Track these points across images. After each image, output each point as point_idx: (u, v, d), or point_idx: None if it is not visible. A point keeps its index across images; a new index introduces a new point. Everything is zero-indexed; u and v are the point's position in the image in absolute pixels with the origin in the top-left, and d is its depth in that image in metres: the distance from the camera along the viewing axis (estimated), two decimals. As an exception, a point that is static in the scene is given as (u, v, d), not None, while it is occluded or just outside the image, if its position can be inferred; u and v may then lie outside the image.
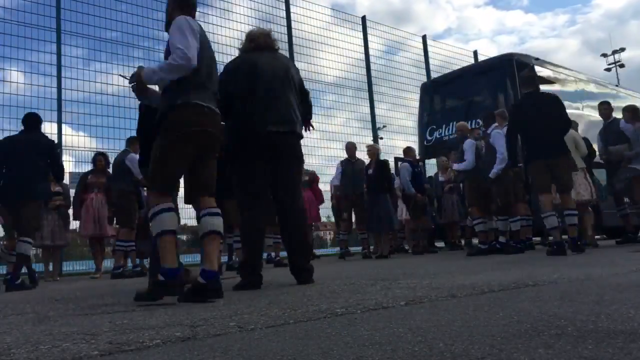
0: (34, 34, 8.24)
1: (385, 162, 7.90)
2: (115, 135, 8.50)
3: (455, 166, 6.77)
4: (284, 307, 2.03)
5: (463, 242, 8.91)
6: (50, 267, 7.20)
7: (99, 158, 7.16)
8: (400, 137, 11.92)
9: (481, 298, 2.00)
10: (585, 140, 6.77)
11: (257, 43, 3.54)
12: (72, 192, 7.25)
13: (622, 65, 28.30)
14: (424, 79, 12.18)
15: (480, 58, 13.23)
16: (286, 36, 10.66)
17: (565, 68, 10.50)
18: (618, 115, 6.98)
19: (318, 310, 1.87)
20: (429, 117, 9.91)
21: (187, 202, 2.80)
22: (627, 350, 1.03)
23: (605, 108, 6.92)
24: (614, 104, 7.29)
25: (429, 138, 9.72)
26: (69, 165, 8.26)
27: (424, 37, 13.18)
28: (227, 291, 3.07)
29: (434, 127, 9.64)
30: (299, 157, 3.51)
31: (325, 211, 9.54)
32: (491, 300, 1.89)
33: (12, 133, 8.00)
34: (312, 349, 1.21)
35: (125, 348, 1.37)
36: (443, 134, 9.42)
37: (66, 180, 7.47)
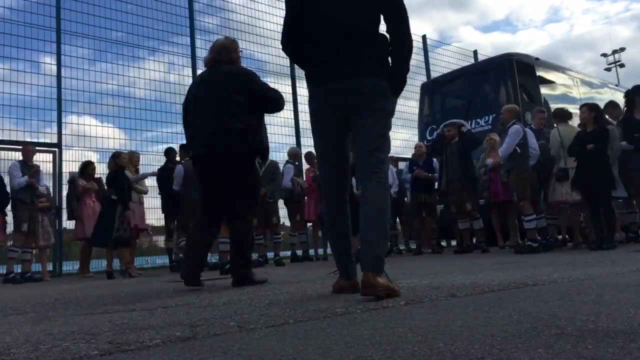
0: (34, 34, 8.25)
1: None
2: (115, 135, 8.53)
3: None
4: (284, 307, 2.03)
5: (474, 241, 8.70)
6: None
7: (92, 166, 7.34)
8: (401, 137, 11.93)
9: (481, 298, 2.00)
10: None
11: (207, 59, 3.73)
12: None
13: (622, 65, 28.32)
14: (424, 79, 12.17)
15: (480, 58, 13.23)
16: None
17: (566, 68, 10.50)
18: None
19: (318, 310, 1.87)
20: (429, 117, 9.91)
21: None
22: (627, 350, 1.03)
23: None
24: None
25: (429, 138, 9.72)
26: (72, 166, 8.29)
27: (424, 37, 13.19)
28: (227, 291, 3.07)
29: (434, 126, 9.64)
30: (234, 174, 3.50)
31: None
32: (491, 300, 1.89)
33: (12, 133, 8.15)
34: (312, 349, 1.21)
35: (125, 348, 1.37)
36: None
37: (46, 181, 7.61)
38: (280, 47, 2.65)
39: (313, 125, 2.56)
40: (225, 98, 3.47)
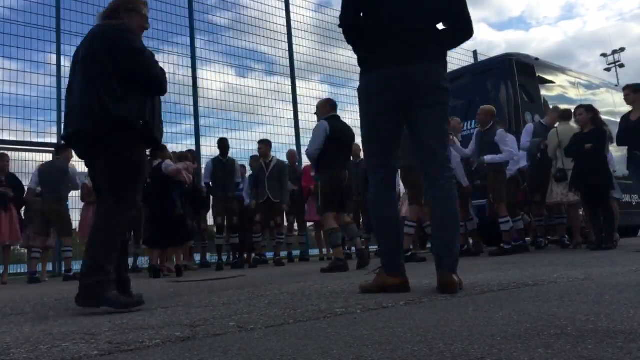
0: (34, 34, 8.25)
1: None
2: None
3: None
4: (284, 307, 2.03)
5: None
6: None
7: None
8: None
9: (481, 298, 2.00)
10: None
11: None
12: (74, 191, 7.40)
13: (622, 65, 28.34)
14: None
15: (480, 58, 13.22)
16: (286, 36, 10.68)
17: (566, 69, 10.50)
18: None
19: (318, 310, 1.87)
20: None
21: None
22: (627, 350, 1.03)
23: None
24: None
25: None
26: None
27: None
28: (227, 291, 3.07)
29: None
30: (104, 157, 2.59)
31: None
32: (491, 300, 1.89)
33: (12, 133, 8.16)
34: (312, 349, 1.21)
35: (125, 348, 1.37)
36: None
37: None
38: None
39: (366, 111, 2.43)
40: (92, 64, 2.58)
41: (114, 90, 2.52)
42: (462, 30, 2.44)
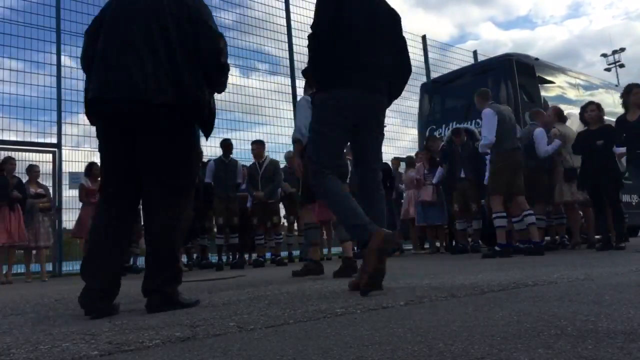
0: (34, 34, 8.26)
1: (386, 165, 7.96)
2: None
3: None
4: (284, 307, 2.03)
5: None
6: (32, 268, 7.30)
7: (97, 166, 7.35)
8: (400, 137, 11.94)
9: (481, 298, 2.00)
10: None
11: None
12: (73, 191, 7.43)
13: (622, 65, 28.35)
14: (424, 79, 12.18)
15: (480, 58, 13.23)
16: (286, 36, 10.68)
17: (566, 69, 10.50)
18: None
19: (318, 310, 1.87)
20: (429, 117, 9.91)
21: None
22: (627, 350, 1.03)
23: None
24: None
25: (429, 138, 9.72)
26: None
27: (424, 37, 13.19)
28: (227, 291, 3.07)
29: (434, 126, 9.64)
30: (156, 141, 2.26)
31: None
32: (491, 300, 1.89)
33: (13, 133, 8.16)
34: (312, 349, 1.21)
35: (125, 348, 1.37)
36: (443, 134, 9.42)
37: (47, 181, 7.68)
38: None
39: (326, 120, 2.63)
40: (157, 23, 2.27)
41: (194, 68, 2.28)
42: (406, 71, 2.89)
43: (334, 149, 2.68)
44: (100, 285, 2.21)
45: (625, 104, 5.67)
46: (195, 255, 7.88)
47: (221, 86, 2.49)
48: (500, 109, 5.51)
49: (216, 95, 2.54)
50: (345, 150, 3.33)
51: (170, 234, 2.28)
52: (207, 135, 2.48)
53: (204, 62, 2.31)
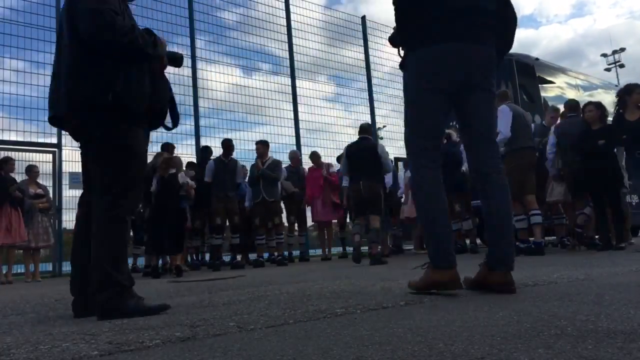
0: (34, 34, 8.26)
1: None
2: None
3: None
4: (284, 307, 2.03)
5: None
6: (32, 268, 7.28)
7: None
8: (400, 138, 11.94)
9: (481, 298, 2.00)
10: None
11: None
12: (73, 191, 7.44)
13: (622, 65, 28.35)
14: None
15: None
16: (286, 36, 10.67)
17: (566, 69, 10.51)
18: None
19: (318, 310, 1.87)
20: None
21: None
22: (627, 350, 1.03)
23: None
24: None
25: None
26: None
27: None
28: (227, 291, 3.07)
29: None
30: (89, 147, 2.37)
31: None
32: (491, 300, 1.89)
33: (13, 133, 8.17)
34: (312, 349, 1.21)
35: (125, 348, 1.37)
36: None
37: (46, 181, 7.68)
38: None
39: (416, 88, 2.25)
40: (69, 32, 2.29)
41: (78, 66, 2.22)
42: (513, 21, 2.37)
43: (428, 123, 2.24)
44: (73, 276, 2.33)
45: (622, 103, 5.67)
46: (191, 256, 7.88)
47: (138, 57, 2.28)
48: (515, 107, 5.63)
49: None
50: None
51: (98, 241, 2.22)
52: (150, 124, 2.46)
53: (96, 47, 2.20)
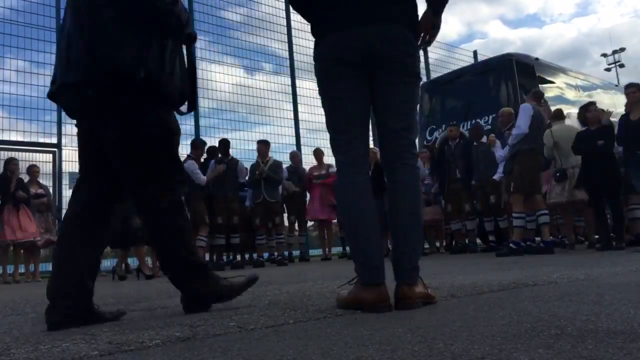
0: (34, 34, 8.27)
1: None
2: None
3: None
4: (284, 307, 2.03)
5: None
6: (32, 268, 7.30)
7: None
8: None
9: (481, 298, 2.00)
10: None
11: None
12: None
13: (622, 65, 28.34)
14: (424, 79, 12.17)
15: (480, 58, 13.23)
16: (286, 36, 10.68)
17: (566, 69, 10.51)
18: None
19: (318, 310, 1.87)
20: (428, 117, 9.91)
21: None
22: (627, 350, 1.03)
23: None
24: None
25: (428, 138, 9.71)
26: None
27: (424, 37, 13.17)
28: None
29: (434, 127, 9.64)
30: (111, 127, 2.00)
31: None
32: (491, 300, 1.89)
33: (13, 133, 8.17)
34: (312, 349, 1.21)
35: (125, 348, 1.37)
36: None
37: (47, 181, 7.68)
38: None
39: (325, 82, 1.99)
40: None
41: (108, 33, 1.91)
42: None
43: (342, 114, 1.94)
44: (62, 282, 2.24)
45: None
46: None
47: (171, 32, 2.04)
48: (538, 108, 5.73)
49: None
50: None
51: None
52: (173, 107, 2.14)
53: (135, 9, 1.94)
